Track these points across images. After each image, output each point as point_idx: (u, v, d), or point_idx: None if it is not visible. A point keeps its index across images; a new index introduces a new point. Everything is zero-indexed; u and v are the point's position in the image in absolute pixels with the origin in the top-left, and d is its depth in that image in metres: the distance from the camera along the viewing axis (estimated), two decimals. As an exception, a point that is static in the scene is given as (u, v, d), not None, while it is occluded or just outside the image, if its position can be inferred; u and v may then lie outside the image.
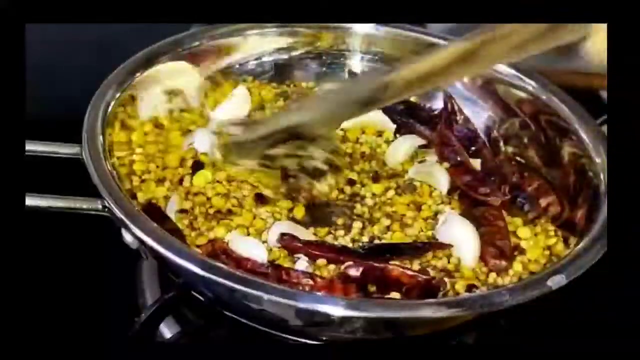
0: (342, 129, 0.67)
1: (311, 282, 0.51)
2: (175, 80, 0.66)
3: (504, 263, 0.55)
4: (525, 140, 0.66)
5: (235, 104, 0.67)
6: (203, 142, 0.63)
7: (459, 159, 0.64)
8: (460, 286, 0.53)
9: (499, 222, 0.58)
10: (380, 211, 0.60)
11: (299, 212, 0.58)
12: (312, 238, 0.56)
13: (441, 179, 0.62)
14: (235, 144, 0.59)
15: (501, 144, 0.67)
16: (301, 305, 0.45)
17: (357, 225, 0.58)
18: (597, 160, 0.59)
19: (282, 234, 0.55)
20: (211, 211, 0.57)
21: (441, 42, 0.70)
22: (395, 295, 0.51)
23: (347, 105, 0.56)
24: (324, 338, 0.51)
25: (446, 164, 0.63)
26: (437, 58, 0.53)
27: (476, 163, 0.64)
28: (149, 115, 0.64)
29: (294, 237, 0.54)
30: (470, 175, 0.62)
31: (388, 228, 0.58)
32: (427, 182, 0.62)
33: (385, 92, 0.54)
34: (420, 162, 0.64)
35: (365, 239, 0.57)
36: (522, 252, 0.57)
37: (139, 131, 0.62)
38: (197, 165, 0.61)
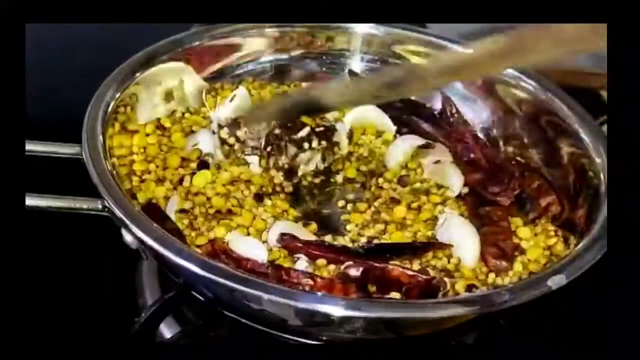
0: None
1: (311, 282, 0.51)
2: (175, 81, 0.66)
3: (504, 263, 0.55)
4: (525, 140, 0.66)
5: (235, 104, 0.67)
6: (207, 142, 0.63)
7: (472, 155, 0.64)
8: (460, 286, 0.53)
9: (503, 223, 0.58)
10: (381, 212, 0.60)
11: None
12: (312, 238, 0.56)
13: (455, 180, 0.62)
14: (250, 115, 0.63)
15: (501, 144, 0.67)
16: (301, 305, 0.45)
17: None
18: (597, 160, 0.59)
19: (282, 234, 0.55)
20: (211, 211, 0.57)
21: (441, 42, 0.70)
22: (395, 295, 0.51)
23: (372, 85, 0.56)
24: (324, 338, 0.51)
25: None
26: (471, 52, 0.52)
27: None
28: (149, 116, 0.64)
29: (294, 237, 0.54)
30: (481, 173, 0.62)
31: (387, 228, 0.58)
32: (440, 182, 0.62)
33: (413, 77, 0.53)
34: (436, 162, 0.64)
35: (364, 239, 0.57)
36: (522, 252, 0.57)
37: (141, 132, 0.62)
38: (202, 165, 0.61)
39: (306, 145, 0.62)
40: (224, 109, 0.66)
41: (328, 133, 0.63)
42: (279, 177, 0.61)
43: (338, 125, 0.65)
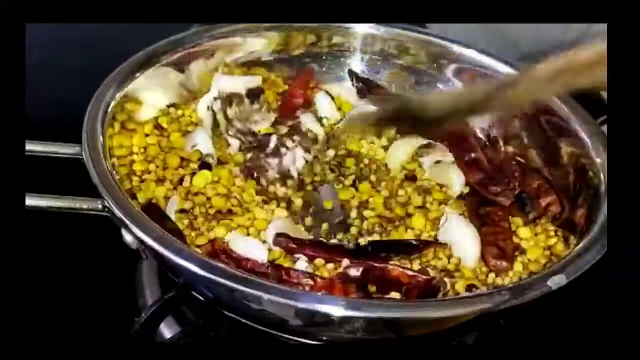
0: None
1: (311, 282, 0.51)
2: (175, 79, 0.66)
3: (504, 264, 0.55)
4: (525, 140, 0.66)
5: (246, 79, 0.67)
6: (204, 142, 0.63)
7: (473, 155, 0.64)
8: (460, 286, 0.53)
9: (504, 223, 0.58)
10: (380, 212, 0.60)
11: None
12: (309, 237, 0.56)
13: (456, 180, 0.62)
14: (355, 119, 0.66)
15: (501, 144, 0.67)
16: (301, 305, 0.45)
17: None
18: (597, 160, 0.59)
19: (277, 234, 0.55)
20: (211, 211, 0.57)
21: (441, 42, 0.70)
22: (395, 295, 0.51)
23: (471, 96, 0.55)
24: (324, 338, 0.51)
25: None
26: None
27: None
28: (149, 116, 0.64)
29: (289, 238, 0.54)
30: (482, 172, 0.62)
31: (388, 228, 0.58)
32: (441, 182, 0.62)
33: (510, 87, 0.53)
34: (437, 162, 0.64)
35: (362, 239, 0.57)
36: (523, 252, 0.57)
37: (141, 132, 0.62)
38: (204, 166, 0.61)
39: (283, 150, 0.62)
40: (230, 80, 0.66)
41: (294, 128, 0.64)
42: (281, 190, 0.61)
43: (300, 114, 0.66)
